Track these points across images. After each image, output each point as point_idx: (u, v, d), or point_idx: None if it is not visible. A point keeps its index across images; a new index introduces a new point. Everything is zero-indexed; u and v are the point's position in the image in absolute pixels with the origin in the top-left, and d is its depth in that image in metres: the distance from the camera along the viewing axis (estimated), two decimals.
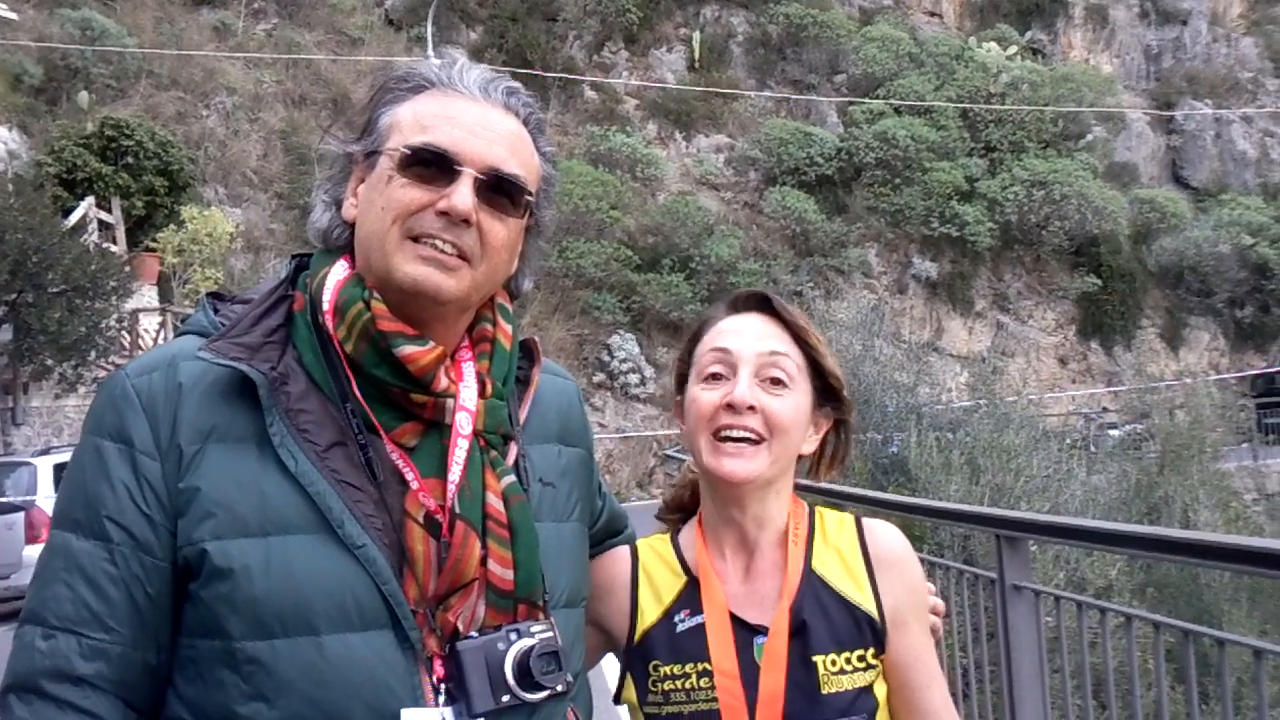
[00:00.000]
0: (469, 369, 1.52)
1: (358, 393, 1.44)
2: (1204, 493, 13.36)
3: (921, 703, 1.73)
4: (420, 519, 1.41)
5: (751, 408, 1.67)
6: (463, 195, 1.43)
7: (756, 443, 1.68)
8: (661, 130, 34.96)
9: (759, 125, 34.73)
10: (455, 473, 1.44)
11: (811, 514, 1.80)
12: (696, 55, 36.59)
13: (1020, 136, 35.89)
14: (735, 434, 1.67)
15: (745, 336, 1.73)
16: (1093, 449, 15.92)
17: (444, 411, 1.46)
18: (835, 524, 1.79)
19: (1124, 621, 3.35)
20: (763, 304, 1.78)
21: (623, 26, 35.95)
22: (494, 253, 1.49)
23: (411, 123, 1.48)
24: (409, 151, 1.45)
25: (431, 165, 1.44)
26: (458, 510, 1.43)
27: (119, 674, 1.36)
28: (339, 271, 1.51)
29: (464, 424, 1.47)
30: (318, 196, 1.58)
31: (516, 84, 1.56)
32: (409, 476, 1.44)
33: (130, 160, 22.43)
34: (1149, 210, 36.89)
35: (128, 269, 19.52)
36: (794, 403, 1.71)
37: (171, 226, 22.18)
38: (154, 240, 22.35)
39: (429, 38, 30.62)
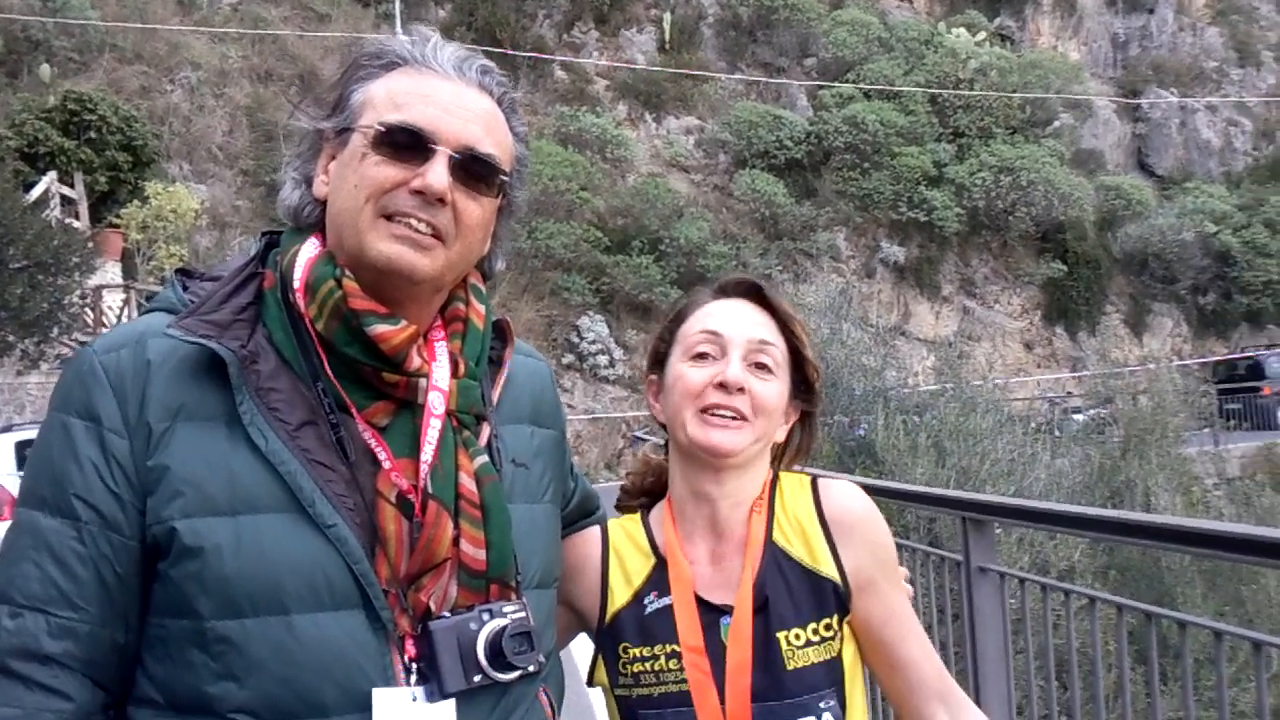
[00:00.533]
0: (441, 349, 1.51)
1: (329, 371, 1.43)
2: (1165, 477, 13.52)
3: (900, 655, 1.74)
4: (392, 498, 1.41)
5: (741, 389, 1.69)
6: (438, 174, 1.42)
7: (743, 420, 1.70)
8: (631, 111, 34.84)
9: (729, 108, 34.67)
10: (428, 452, 1.44)
11: (774, 481, 1.80)
12: (667, 36, 36.46)
13: (988, 122, 36.03)
14: (722, 413, 1.69)
15: (736, 321, 1.74)
16: (1057, 433, 16.07)
17: (416, 391, 1.45)
18: (793, 489, 1.79)
19: (1087, 603, 3.39)
20: (752, 292, 1.79)
21: (593, 6, 35.78)
22: (468, 232, 1.48)
23: (385, 100, 1.46)
24: (383, 129, 1.43)
25: (406, 143, 1.43)
26: (430, 490, 1.42)
27: (87, 653, 1.35)
28: (310, 249, 1.49)
29: (436, 404, 1.46)
30: (287, 173, 1.56)
31: (490, 63, 1.55)
32: (381, 456, 1.43)
33: (93, 135, 22.09)
34: (1114, 197, 37.19)
35: (91, 245, 19.21)
36: (777, 389, 1.74)
37: (135, 202, 21.88)
38: (118, 216, 22.05)
39: (397, 14, 30.37)
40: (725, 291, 1.80)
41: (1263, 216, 36.97)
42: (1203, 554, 3.90)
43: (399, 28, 29.63)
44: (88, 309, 19.89)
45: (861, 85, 35.28)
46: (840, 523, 1.73)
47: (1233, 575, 11.60)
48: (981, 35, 38.26)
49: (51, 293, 17.39)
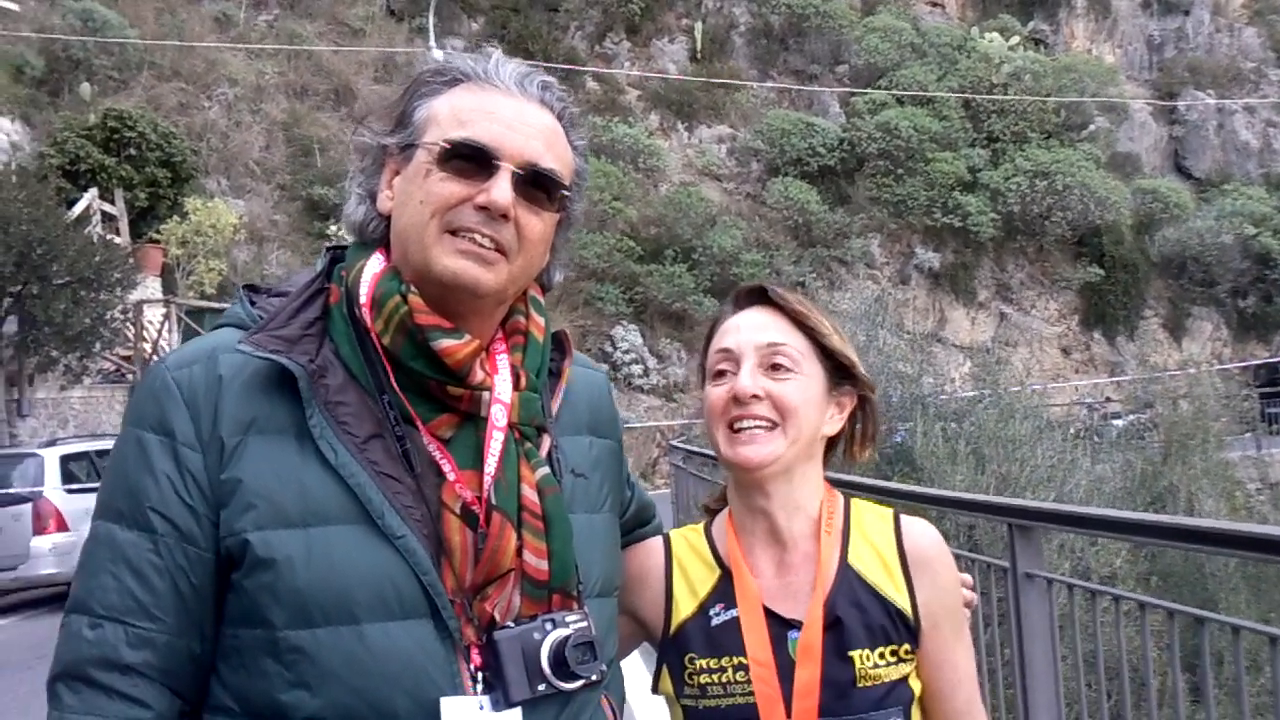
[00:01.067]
0: (503, 361, 1.53)
1: (395, 385, 1.45)
2: (1208, 482, 13.35)
3: (946, 704, 1.74)
4: (457, 510, 1.43)
5: (756, 396, 1.69)
6: (502, 190, 1.44)
7: (770, 428, 1.70)
8: (664, 121, 34.93)
9: (761, 116, 34.69)
10: (491, 464, 1.46)
11: (847, 505, 1.80)
12: (698, 45, 36.54)
13: (1023, 127, 35.84)
14: (746, 424, 1.70)
15: (744, 332, 1.75)
16: (1096, 439, 15.91)
17: (480, 404, 1.47)
18: (873, 518, 1.79)
19: (1137, 609, 3.37)
20: (761, 296, 1.79)
21: (624, 17, 35.92)
22: (530, 246, 1.50)
23: (449, 116, 1.48)
24: (448, 145, 1.46)
25: (470, 160, 1.45)
26: (494, 502, 1.44)
27: (165, 662, 1.39)
28: (375, 265, 1.52)
29: (499, 416, 1.48)
30: (352, 189, 1.58)
31: (551, 79, 1.57)
32: (446, 468, 1.45)
33: (133, 152, 22.45)
34: (1152, 200, 36.87)
35: (131, 260, 19.51)
36: (799, 385, 1.72)
37: (175, 218, 22.20)
38: (157, 232, 22.38)
39: (431, 28, 30.58)
40: (738, 303, 1.81)
41: None
42: (1255, 558, 3.86)
43: (432, 41, 29.87)
44: (129, 324, 20.19)
45: (894, 91, 35.20)
46: (919, 559, 1.74)
47: (1278, 581, 11.44)
48: (1015, 39, 38.08)
49: (94, 308, 17.66)
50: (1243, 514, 13.94)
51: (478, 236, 1.45)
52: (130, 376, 20.29)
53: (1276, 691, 2.68)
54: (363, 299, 1.48)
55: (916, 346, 17.10)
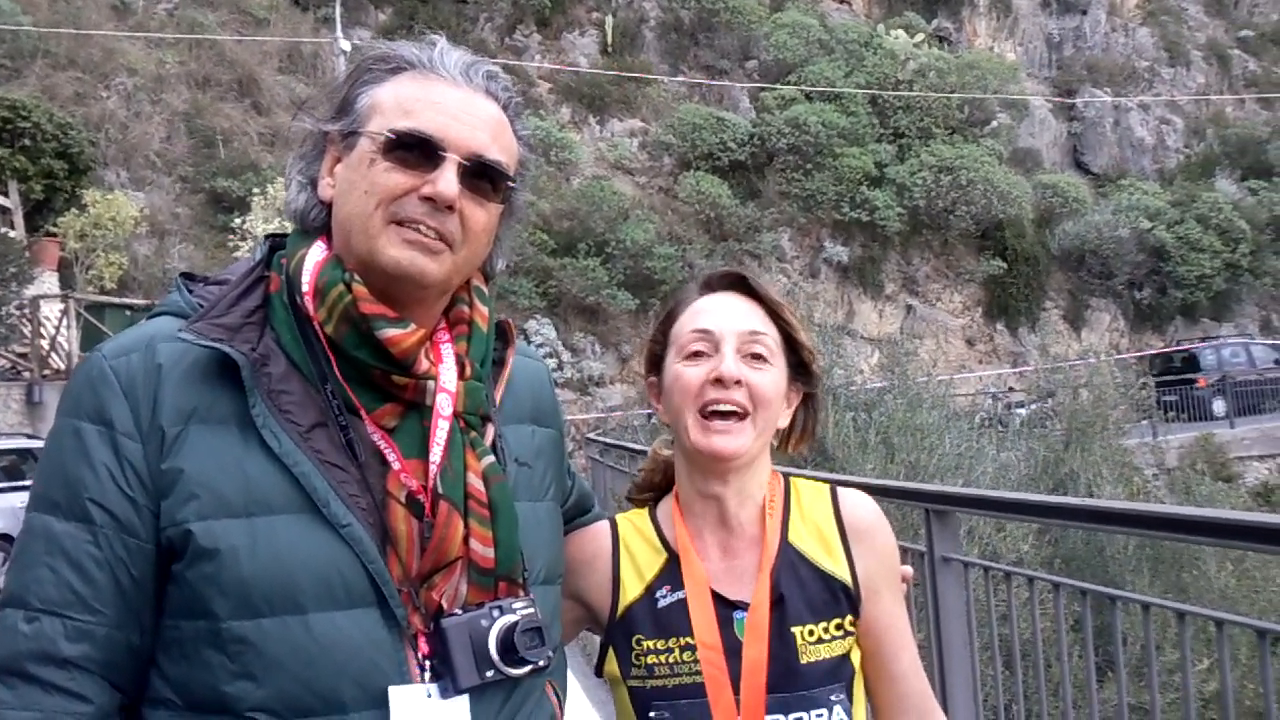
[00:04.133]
0: (447, 351, 1.53)
1: (339, 374, 1.44)
2: (1107, 468, 13.76)
3: (892, 667, 1.78)
4: (402, 499, 1.43)
5: (738, 382, 1.70)
6: (448, 181, 1.44)
7: (743, 417, 1.71)
8: (575, 114, 34.82)
9: (672, 110, 34.74)
10: (436, 453, 1.46)
11: (787, 485, 1.83)
12: (609, 39, 36.49)
13: (928, 123, 36.41)
14: (722, 408, 1.70)
15: (726, 315, 1.75)
16: (1001, 427, 16.29)
17: (425, 393, 1.47)
18: (811, 494, 1.82)
19: (1051, 590, 3.47)
20: (738, 283, 1.80)
21: (534, 9, 35.72)
22: (474, 237, 1.50)
23: (393, 105, 1.47)
24: (393, 135, 1.45)
25: (416, 150, 1.45)
26: (441, 490, 1.44)
27: (104, 655, 1.36)
28: (317, 253, 1.50)
29: (444, 405, 1.48)
30: (292, 175, 1.57)
31: (496, 68, 1.57)
32: (390, 457, 1.44)
33: (27, 142, 21.67)
34: (1052, 195, 37.73)
35: (27, 255, 18.93)
36: (774, 377, 1.75)
37: (73, 211, 21.52)
38: (54, 225, 21.67)
39: (337, 18, 30.06)
40: (711, 286, 1.81)
41: (1195, 212, 37.71)
42: (1166, 538, 4.00)
43: (339, 31, 29.39)
44: (25, 320, 19.54)
45: (803, 87, 35.50)
46: (856, 528, 1.78)
47: (1174, 562, 11.84)
48: (920, 37, 38.68)
49: None
50: (1140, 498, 14.38)
51: (423, 228, 1.44)
52: (27, 374, 19.65)
53: (1185, 662, 2.79)
54: (305, 287, 1.47)
55: (826, 339, 17.31)
